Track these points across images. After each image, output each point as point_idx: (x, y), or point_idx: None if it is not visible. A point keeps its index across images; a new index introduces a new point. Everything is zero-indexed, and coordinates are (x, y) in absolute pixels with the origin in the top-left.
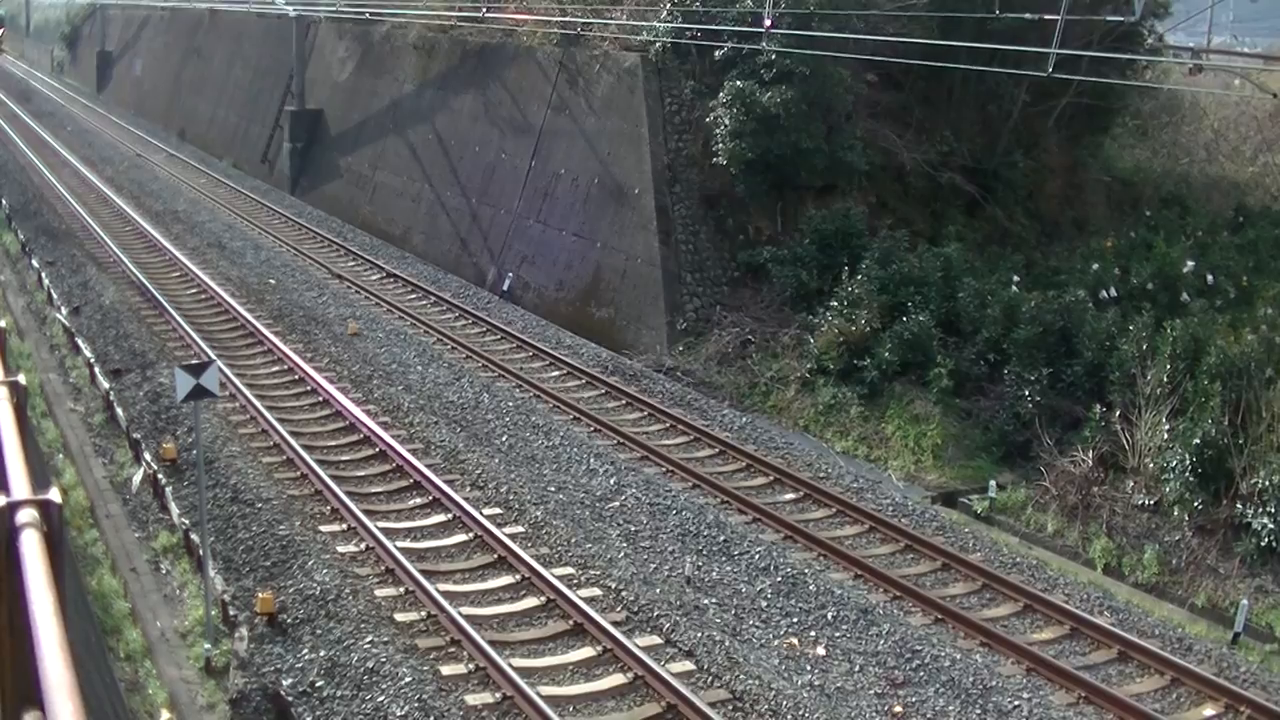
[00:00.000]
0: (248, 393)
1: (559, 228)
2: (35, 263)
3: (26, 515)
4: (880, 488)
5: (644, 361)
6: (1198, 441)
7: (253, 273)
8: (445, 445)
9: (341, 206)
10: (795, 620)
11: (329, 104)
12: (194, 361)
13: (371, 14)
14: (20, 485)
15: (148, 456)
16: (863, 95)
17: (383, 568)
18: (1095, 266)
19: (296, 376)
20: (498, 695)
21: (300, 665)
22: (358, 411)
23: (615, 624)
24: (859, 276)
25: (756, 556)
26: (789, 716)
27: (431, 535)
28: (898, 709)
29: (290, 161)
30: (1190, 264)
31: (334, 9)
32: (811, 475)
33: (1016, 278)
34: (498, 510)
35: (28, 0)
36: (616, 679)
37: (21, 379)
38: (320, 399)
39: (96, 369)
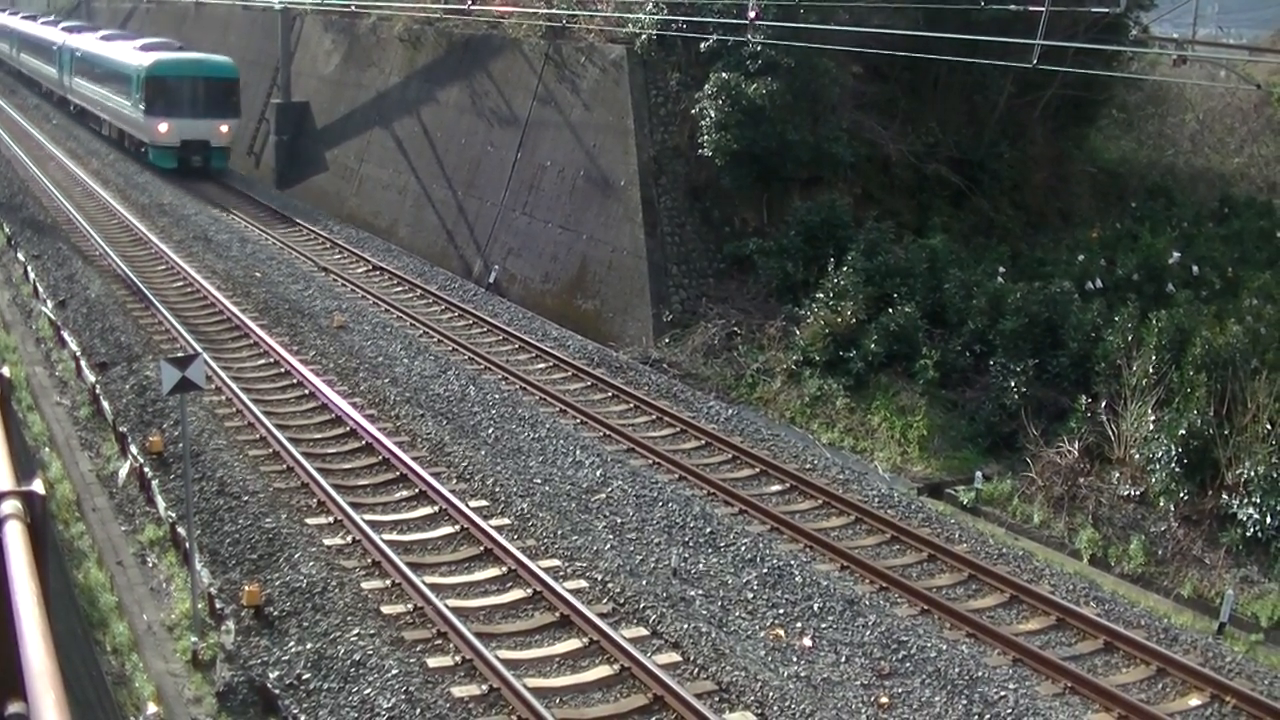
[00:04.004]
0: (234, 386)
1: (545, 220)
2: (21, 256)
3: (9, 506)
4: (866, 479)
5: (630, 353)
6: (1183, 432)
7: (239, 266)
8: (431, 438)
9: (328, 199)
10: (782, 611)
11: (315, 97)
12: (180, 355)
13: (357, 6)
14: (3, 477)
15: (134, 450)
16: (848, 87)
17: (369, 560)
18: (1081, 257)
19: (283, 369)
20: (484, 687)
21: (287, 658)
22: (344, 404)
23: (602, 616)
24: (845, 268)
25: (743, 548)
26: (775, 707)
27: (418, 528)
28: (884, 699)
29: (276, 154)
30: (1176, 255)
31: (320, 1)
32: (798, 467)
33: (1002, 269)
34: (484, 502)
35: None
36: (603, 670)
37: (6, 372)
38: (306, 392)
39: (83, 362)
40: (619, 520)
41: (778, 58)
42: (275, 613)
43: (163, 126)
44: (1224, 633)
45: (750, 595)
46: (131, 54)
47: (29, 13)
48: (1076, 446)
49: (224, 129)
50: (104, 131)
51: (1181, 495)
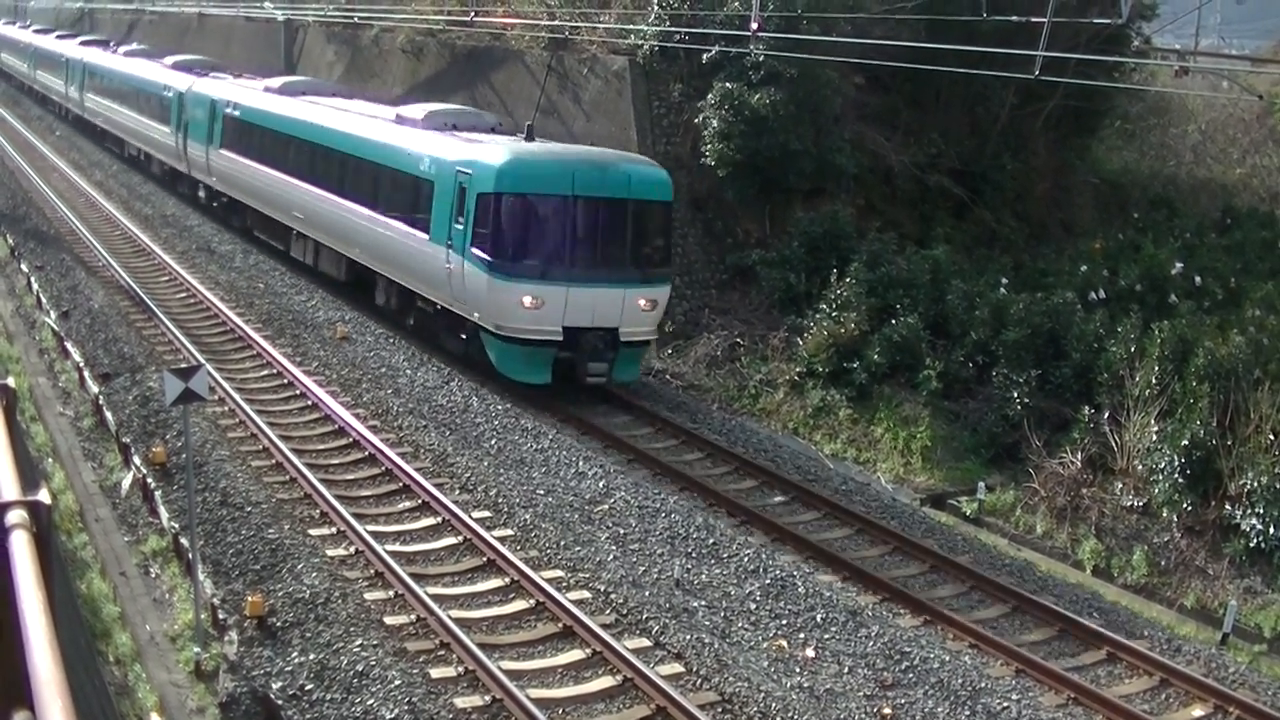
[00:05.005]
0: (237, 397)
1: None
2: (24, 267)
3: (16, 516)
4: (869, 490)
5: None
6: (1186, 443)
7: (242, 277)
8: (434, 449)
9: None
10: (784, 622)
11: None
12: (183, 365)
13: (360, 18)
14: (9, 487)
15: (137, 460)
16: (851, 97)
17: (372, 571)
18: (1083, 268)
19: (285, 380)
20: (487, 698)
21: (290, 668)
22: (347, 415)
23: (604, 626)
24: (847, 279)
25: (745, 559)
26: (778, 718)
27: (421, 538)
28: (887, 711)
29: None
30: (1178, 266)
31: (322, 13)
32: (800, 478)
33: (1005, 280)
34: (487, 513)
35: (16, 6)
36: (606, 681)
37: (10, 382)
38: (309, 403)
39: (86, 373)
40: (622, 531)
41: (780, 68)
42: (278, 623)
43: (528, 298)
44: (1227, 643)
45: (753, 606)
46: (427, 138)
47: (91, 37)
48: (1079, 457)
49: (644, 303)
50: (308, 259)
51: (1184, 506)
